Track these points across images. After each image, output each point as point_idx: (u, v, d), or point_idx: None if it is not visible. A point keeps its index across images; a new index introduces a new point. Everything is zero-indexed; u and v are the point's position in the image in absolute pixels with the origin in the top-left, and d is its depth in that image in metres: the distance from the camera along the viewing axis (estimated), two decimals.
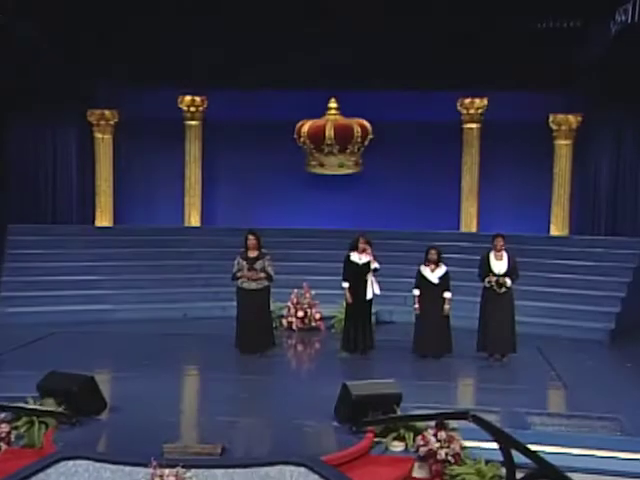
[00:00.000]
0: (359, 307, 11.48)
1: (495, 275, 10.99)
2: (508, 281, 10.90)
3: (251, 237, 11.31)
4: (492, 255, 11.09)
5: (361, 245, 11.36)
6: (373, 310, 13.22)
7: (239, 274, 11.29)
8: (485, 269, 11.06)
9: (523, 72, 14.44)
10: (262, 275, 11.21)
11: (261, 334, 11.33)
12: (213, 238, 15.75)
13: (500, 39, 14.18)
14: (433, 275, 11.22)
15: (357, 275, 11.41)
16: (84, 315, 13.74)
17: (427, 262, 11.27)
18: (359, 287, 11.41)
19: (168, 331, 13.11)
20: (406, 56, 14.57)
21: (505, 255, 11.08)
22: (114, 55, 14.79)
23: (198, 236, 16.11)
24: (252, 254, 11.30)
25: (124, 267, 15.03)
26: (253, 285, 11.25)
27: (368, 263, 11.34)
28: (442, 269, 11.24)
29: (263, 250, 11.35)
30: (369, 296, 11.42)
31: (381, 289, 11.60)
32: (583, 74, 14.30)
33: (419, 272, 11.29)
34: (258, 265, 11.20)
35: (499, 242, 11.08)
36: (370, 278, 11.37)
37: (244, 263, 11.24)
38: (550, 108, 15.47)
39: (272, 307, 12.03)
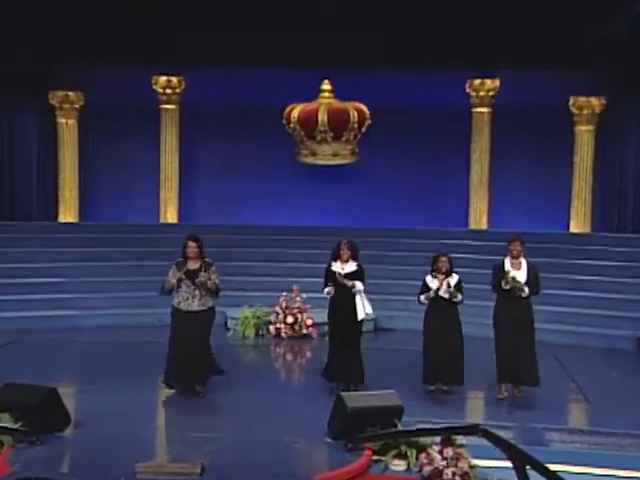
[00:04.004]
0: (345, 330, 10.23)
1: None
2: (526, 289, 9.88)
3: (191, 244, 9.85)
4: (508, 263, 10.00)
5: (344, 252, 10.30)
6: (372, 315, 13.27)
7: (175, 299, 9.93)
8: (500, 279, 9.98)
9: (540, 49, 14.48)
10: (202, 293, 9.80)
11: (195, 367, 9.83)
12: None
13: (513, 12, 14.19)
14: (443, 288, 10.12)
15: (340, 289, 10.19)
16: (46, 322, 13.66)
17: (435, 272, 10.18)
18: (344, 304, 10.21)
19: (140, 339, 13.07)
20: (408, 32, 14.59)
21: (524, 263, 10.03)
22: (79, 29, 14.73)
23: (175, 234, 15.86)
24: (193, 265, 9.82)
25: (91, 268, 15.00)
26: (194, 305, 9.81)
27: (353, 273, 10.23)
28: (454, 279, 10.19)
29: (207, 259, 9.93)
30: (360, 316, 10.23)
31: (364, 292, 10.34)
32: (607, 52, 14.31)
33: (425, 284, 10.24)
34: (201, 280, 9.77)
35: (516, 247, 9.98)
36: (358, 293, 10.22)
37: (183, 277, 9.82)
38: (570, 90, 15.52)
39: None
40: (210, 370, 10.10)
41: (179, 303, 9.86)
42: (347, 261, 10.30)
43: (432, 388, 10.15)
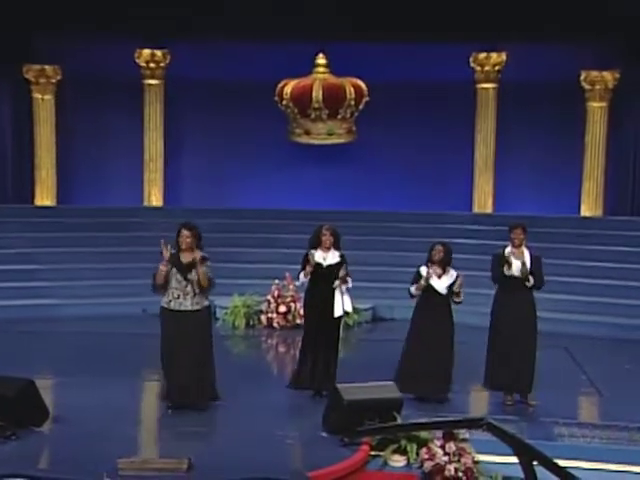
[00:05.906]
0: (323, 327, 9.74)
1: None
2: (531, 278, 9.56)
3: (185, 232, 9.01)
4: (509, 252, 9.68)
5: (326, 238, 9.79)
6: (370, 304, 13.31)
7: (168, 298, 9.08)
8: (500, 270, 9.64)
9: (549, 21, 14.45)
10: (196, 289, 9.01)
11: (199, 378, 9.03)
12: (177, 221, 15.46)
13: None
14: (440, 282, 9.71)
15: (321, 281, 9.73)
16: (23, 311, 13.68)
17: (431, 263, 9.74)
18: (323, 298, 9.73)
19: (124, 330, 13.10)
20: (408, 2, 14.55)
21: (526, 253, 9.72)
22: None
23: (160, 218, 16.02)
24: (186, 258, 9.00)
25: (70, 254, 14.98)
26: (187, 304, 9.00)
27: (338, 265, 9.73)
28: (452, 275, 9.75)
29: (202, 253, 9.07)
30: (337, 312, 9.76)
31: (356, 281, 10.01)
32: (621, 23, 14.30)
33: (418, 274, 9.80)
34: (194, 275, 8.97)
35: (518, 235, 9.72)
36: (339, 288, 9.74)
37: (174, 271, 8.99)
38: (581, 64, 15.47)
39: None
40: (210, 387, 9.22)
41: (169, 302, 9.03)
42: (329, 248, 9.80)
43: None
